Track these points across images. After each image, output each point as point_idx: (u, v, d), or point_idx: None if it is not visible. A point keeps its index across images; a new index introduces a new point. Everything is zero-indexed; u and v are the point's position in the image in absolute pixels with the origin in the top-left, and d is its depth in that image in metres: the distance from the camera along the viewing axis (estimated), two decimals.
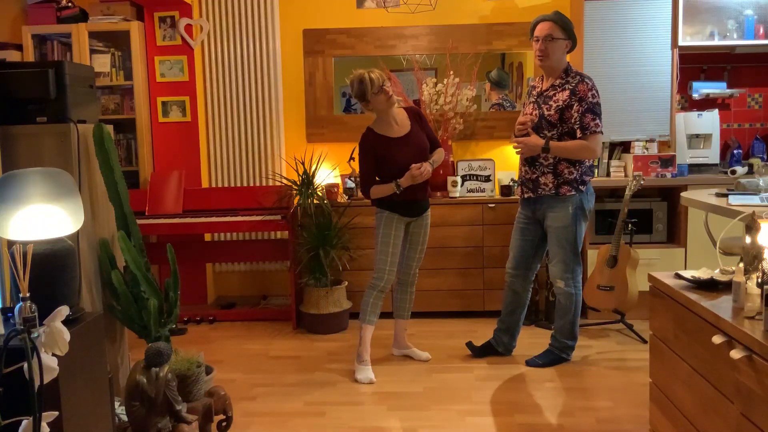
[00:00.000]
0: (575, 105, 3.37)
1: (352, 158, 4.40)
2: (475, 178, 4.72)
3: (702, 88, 4.72)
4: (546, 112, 3.43)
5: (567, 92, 3.40)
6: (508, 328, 3.80)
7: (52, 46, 4.73)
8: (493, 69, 4.90)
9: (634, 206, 4.33)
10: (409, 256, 3.74)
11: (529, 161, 3.52)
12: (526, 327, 4.36)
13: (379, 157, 3.53)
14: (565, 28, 3.41)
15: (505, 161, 4.87)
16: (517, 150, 3.52)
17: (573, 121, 3.38)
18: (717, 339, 2.04)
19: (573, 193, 3.46)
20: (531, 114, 3.53)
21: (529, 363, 3.68)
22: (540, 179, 3.48)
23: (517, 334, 3.83)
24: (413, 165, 3.46)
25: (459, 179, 4.64)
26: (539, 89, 3.56)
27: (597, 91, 3.42)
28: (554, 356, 3.69)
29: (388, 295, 3.80)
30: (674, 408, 2.45)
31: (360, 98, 3.49)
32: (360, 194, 4.16)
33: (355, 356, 3.67)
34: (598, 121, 3.38)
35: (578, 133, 3.38)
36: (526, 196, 3.60)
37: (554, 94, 3.44)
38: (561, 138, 3.44)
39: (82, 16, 4.68)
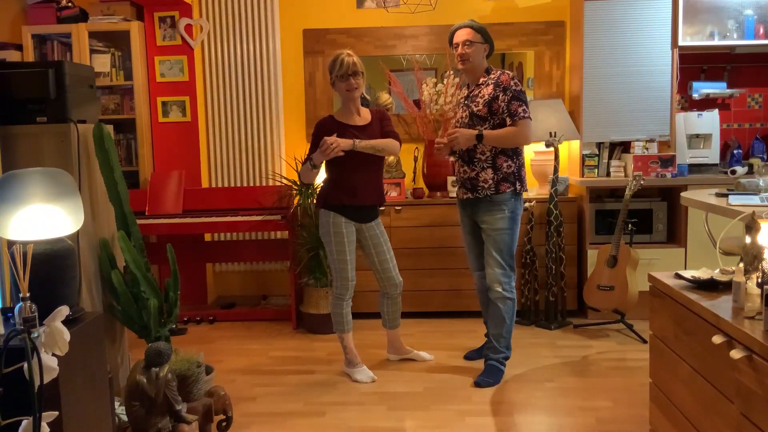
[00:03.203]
0: (500, 95, 3.44)
1: None
2: None
3: (702, 88, 4.72)
4: (475, 109, 3.50)
5: (491, 86, 3.48)
6: None
7: (52, 46, 4.73)
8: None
9: (634, 206, 4.33)
10: (384, 267, 3.65)
11: (467, 160, 3.53)
12: (526, 327, 4.37)
13: None
14: (482, 33, 3.53)
15: None
16: (452, 140, 3.45)
17: (501, 111, 3.44)
18: (717, 339, 2.04)
19: (511, 189, 3.47)
20: (462, 116, 3.58)
21: (481, 384, 3.45)
22: (480, 176, 3.48)
23: None
24: (325, 137, 3.33)
25: None
26: (465, 93, 3.62)
27: (518, 81, 3.49)
28: (500, 370, 3.53)
29: (373, 295, 3.81)
30: (674, 408, 2.45)
31: (329, 74, 3.53)
32: None
33: (345, 363, 3.67)
34: (525, 107, 3.44)
35: (508, 121, 3.44)
36: (464, 197, 3.57)
37: (479, 92, 3.52)
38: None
39: (82, 16, 4.68)
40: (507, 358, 3.60)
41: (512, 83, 3.43)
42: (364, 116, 3.58)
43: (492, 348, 3.56)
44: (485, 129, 3.45)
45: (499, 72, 3.52)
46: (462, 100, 3.64)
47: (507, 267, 3.51)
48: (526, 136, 3.45)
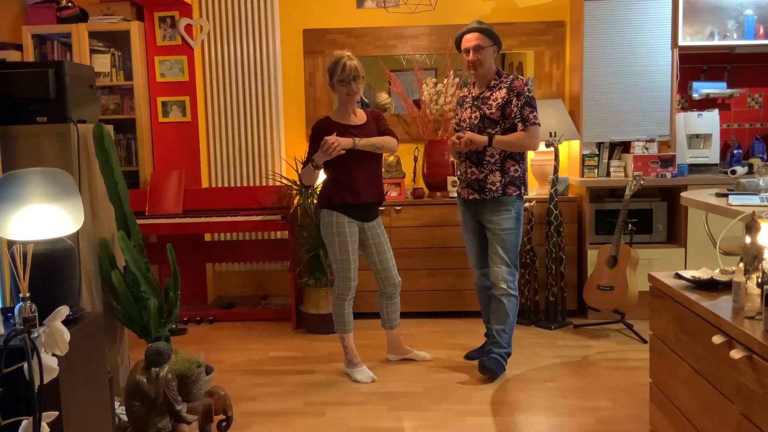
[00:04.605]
0: (514, 100, 3.48)
1: None
2: None
3: (702, 88, 4.72)
4: (487, 111, 3.51)
5: (504, 90, 3.51)
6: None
7: (52, 46, 4.73)
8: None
9: (634, 206, 4.33)
10: (384, 267, 3.65)
11: (475, 162, 3.55)
12: (526, 327, 4.37)
13: None
14: (489, 35, 3.53)
15: None
16: (465, 144, 3.47)
17: (513, 115, 3.49)
18: (717, 339, 2.04)
19: (517, 192, 3.52)
20: (470, 117, 3.59)
21: (485, 362, 3.50)
22: (488, 178, 3.51)
23: None
24: (326, 137, 3.36)
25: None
26: (474, 94, 3.63)
27: (530, 88, 3.55)
28: (502, 365, 3.56)
29: (373, 295, 3.81)
30: (674, 408, 2.45)
31: (329, 77, 3.54)
32: None
33: (345, 363, 3.67)
34: (536, 113, 3.50)
35: (519, 126, 3.48)
36: (471, 197, 3.59)
37: (491, 94, 3.54)
38: (503, 134, 3.51)
39: (82, 16, 4.67)
40: (509, 355, 3.62)
41: (526, 89, 3.49)
42: (360, 116, 3.60)
43: (495, 343, 3.59)
44: (496, 131, 3.49)
45: (512, 77, 3.55)
46: (469, 101, 3.64)
47: (512, 265, 3.56)
48: (535, 142, 3.54)
